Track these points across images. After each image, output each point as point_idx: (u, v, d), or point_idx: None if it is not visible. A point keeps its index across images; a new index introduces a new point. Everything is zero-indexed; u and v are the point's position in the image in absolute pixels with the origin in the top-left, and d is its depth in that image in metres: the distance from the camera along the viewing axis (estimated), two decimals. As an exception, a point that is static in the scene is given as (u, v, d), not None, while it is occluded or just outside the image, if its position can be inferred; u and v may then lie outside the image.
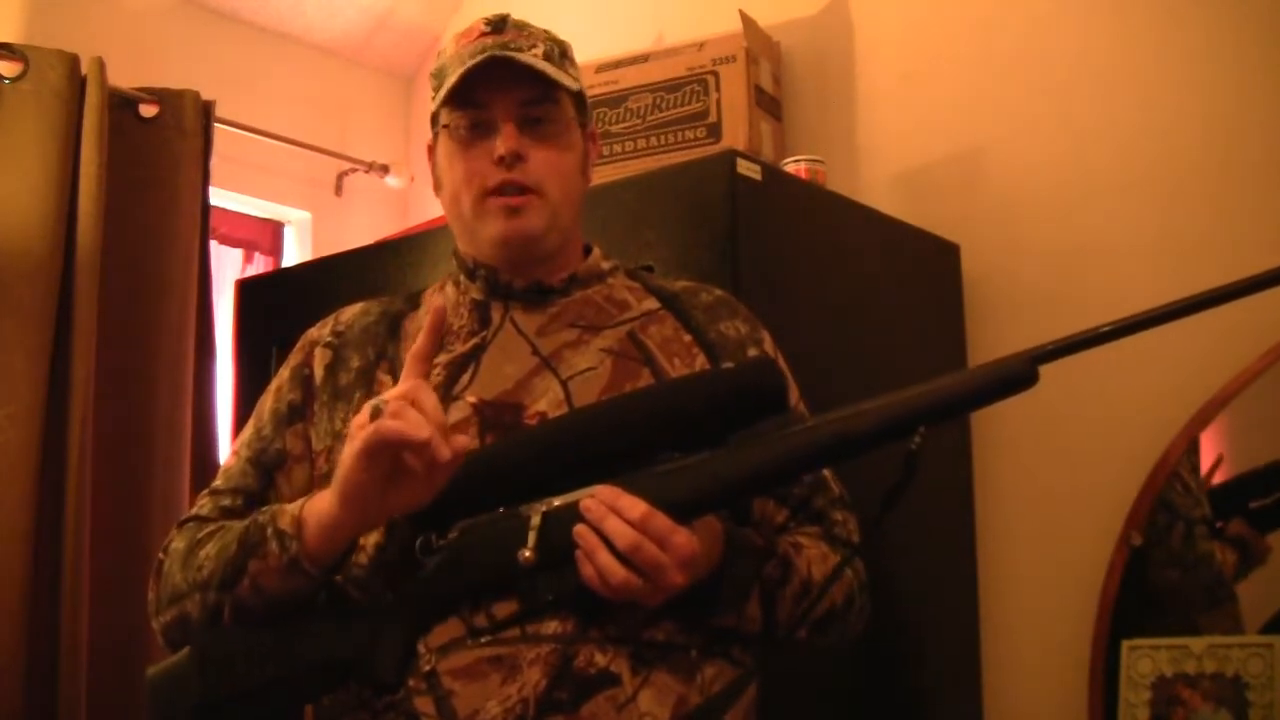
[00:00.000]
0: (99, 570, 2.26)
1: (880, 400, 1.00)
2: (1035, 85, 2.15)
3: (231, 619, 1.10)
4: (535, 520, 1.02)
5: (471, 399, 1.16)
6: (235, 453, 1.26)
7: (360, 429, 0.98)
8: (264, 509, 1.12)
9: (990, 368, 1.01)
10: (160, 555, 1.19)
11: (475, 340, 1.22)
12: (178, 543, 1.17)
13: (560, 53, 1.26)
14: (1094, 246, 2.05)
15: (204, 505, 1.21)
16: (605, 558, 0.99)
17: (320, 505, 1.05)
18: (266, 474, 1.21)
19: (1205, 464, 1.88)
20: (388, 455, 0.98)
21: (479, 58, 1.19)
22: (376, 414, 0.97)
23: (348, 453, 1.00)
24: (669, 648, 1.09)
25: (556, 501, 1.03)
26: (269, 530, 1.07)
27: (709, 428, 1.04)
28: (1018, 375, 0.99)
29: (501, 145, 1.19)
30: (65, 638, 2.16)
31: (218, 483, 1.24)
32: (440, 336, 1.06)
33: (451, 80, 1.20)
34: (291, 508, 1.09)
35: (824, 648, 1.22)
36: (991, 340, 2.14)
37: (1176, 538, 1.87)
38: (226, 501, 1.21)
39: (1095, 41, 2.10)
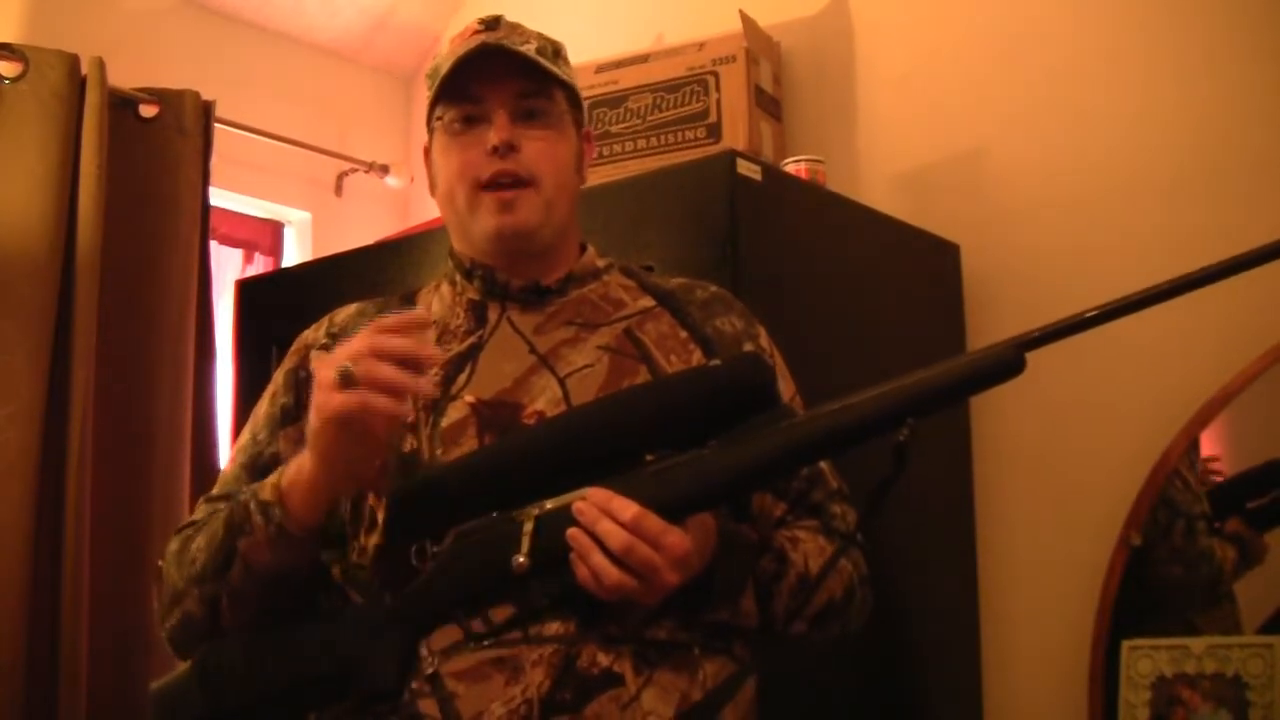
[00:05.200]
0: (99, 570, 2.26)
1: (869, 392, 1.00)
2: (1036, 85, 2.15)
3: (230, 610, 1.10)
4: (528, 526, 1.01)
5: (469, 398, 1.17)
6: (232, 459, 1.27)
7: (328, 390, 0.99)
8: (245, 489, 1.13)
9: (977, 356, 1.00)
10: (159, 562, 1.20)
11: (472, 339, 1.22)
12: (173, 545, 1.18)
13: (554, 50, 1.27)
14: (1094, 246, 2.05)
15: (200, 513, 1.22)
16: (599, 559, 0.98)
17: (298, 468, 1.07)
18: (261, 478, 1.21)
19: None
20: (360, 422, 0.99)
21: (472, 48, 1.20)
22: (347, 381, 0.98)
23: (318, 420, 1.01)
24: (671, 646, 1.09)
25: (549, 504, 1.02)
26: (252, 505, 1.09)
27: (700, 424, 1.03)
28: (1004, 363, 0.99)
29: (495, 135, 1.19)
30: (65, 638, 2.16)
31: (215, 490, 1.25)
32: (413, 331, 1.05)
33: (445, 72, 1.21)
34: (271, 479, 1.10)
35: (824, 641, 1.22)
36: (992, 340, 2.14)
37: (1178, 534, 1.87)
38: (222, 506, 1.21)
39: (1096, 41, 2.10)
